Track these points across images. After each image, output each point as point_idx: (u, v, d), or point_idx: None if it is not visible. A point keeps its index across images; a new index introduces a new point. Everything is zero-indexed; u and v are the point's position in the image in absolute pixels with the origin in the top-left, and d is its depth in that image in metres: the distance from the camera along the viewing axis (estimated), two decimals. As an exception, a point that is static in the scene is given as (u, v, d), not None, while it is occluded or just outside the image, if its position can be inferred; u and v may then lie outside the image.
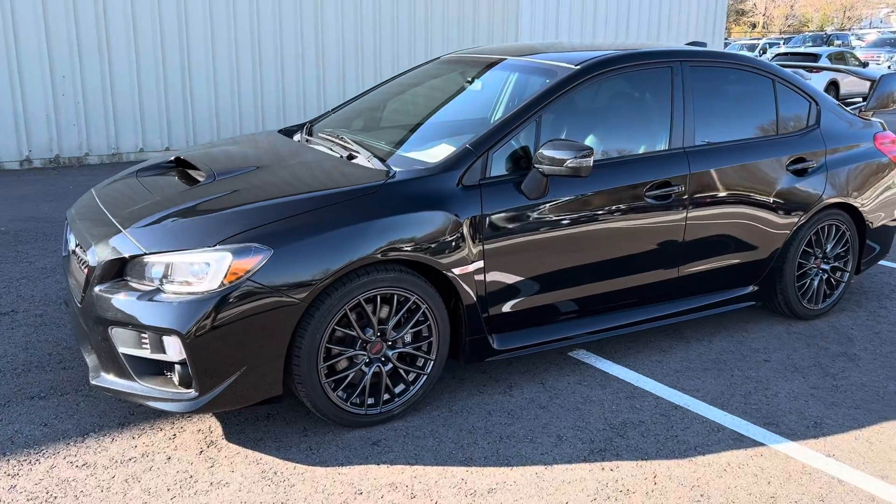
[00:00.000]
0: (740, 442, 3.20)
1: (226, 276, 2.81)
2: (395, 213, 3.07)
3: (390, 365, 3.20)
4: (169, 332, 2.79)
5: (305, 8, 10.79)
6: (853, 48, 30.39)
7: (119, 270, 2.98)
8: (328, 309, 2.96)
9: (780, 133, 4.28)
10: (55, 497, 2.69)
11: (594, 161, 3.57)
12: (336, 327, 3.02)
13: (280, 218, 2.95)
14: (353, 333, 3.07)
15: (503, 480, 2.86)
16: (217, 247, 2.85)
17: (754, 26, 62.78)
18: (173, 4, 9.66)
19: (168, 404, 2.86)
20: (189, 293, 2.81)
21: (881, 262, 5.70)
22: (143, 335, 2.87)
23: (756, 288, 4.31)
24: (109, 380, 2.98)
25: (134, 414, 3.25)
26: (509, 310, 3.46)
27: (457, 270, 3.22)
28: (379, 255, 3.00)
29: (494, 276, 3.35)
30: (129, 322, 2.86)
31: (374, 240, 3.00)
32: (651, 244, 3.77)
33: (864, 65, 21.48)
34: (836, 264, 4.59)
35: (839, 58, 20.26)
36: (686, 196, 3.82)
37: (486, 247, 3.29)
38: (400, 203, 3.12)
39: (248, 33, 10.32)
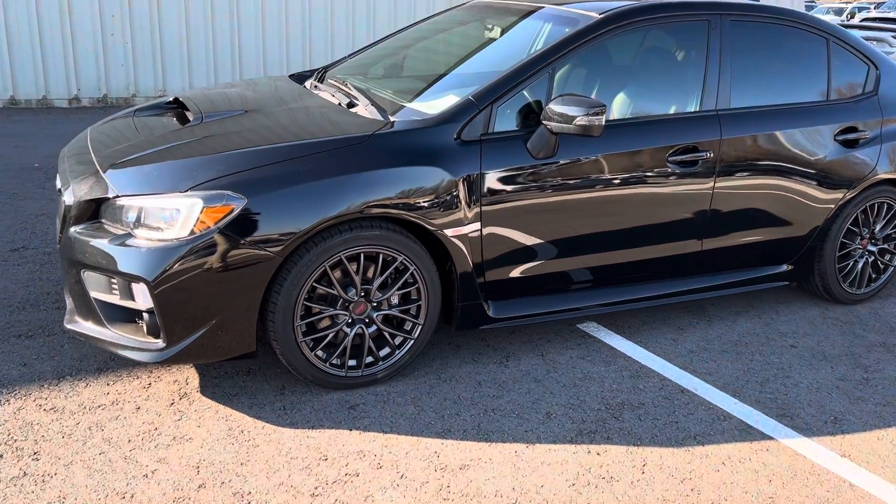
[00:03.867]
0: (747, 433, 2.94)
1: (196, 223, 2.66)
2: (382, 167, 2.87)
3: (374, 327, 3.04)
4: (137, 278, 2.67)
5: (358, -47, 10.51)
6: (950, 16, 28.34)
7: (95, 212, 2.88)
8: (306, 265, 2.80)
9: (830, 99, 3.88)
10: (15, 440, 2.64)
11: (610, 121, 3.29)
12: (315, 284, 2.86)
13: (258, 165, 2.78)
14: (334, 292, 2.91)
15: (478, 457, 2.69)
16: (188, 192, 2.70)
17: (845, -10, 59.34)
18: (223, -54, 9.52)
19: (135, 353, 2.76)
20: (159, 240, 2.69)
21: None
22: (113, 280, 2.76)
23: (790, 267, 3.97)
24: (82, 324, 2.90)
25: (114, 361, 3.18)
26: (508, 276, 3.24)
27: (450, 231, 3.01)
28: (361, 211, 2.81)
29: (492, 239, 3.12)
30: (99, 266, 2.76)
31: (357, 194, 2.81)
32: (671, 214, 3.48)
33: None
34: (885, 246, 4.20)
35: (933, 25, 18.85)
36: (715, 163, 3.50)
37: (483, 208, 3.06)
38: (389, 156, 2.91)
39: (298, -22, 10.12)
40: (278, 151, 2.84)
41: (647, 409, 3.05)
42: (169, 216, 2.71)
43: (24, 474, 2.47)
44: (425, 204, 2.93)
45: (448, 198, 2.97)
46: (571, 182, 3.21)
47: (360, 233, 2.86)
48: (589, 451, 2.76)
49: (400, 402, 3.00)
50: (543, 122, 3.08)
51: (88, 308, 2.87)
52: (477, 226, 3.07)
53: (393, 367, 3.10)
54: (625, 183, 3.31)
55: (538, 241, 3.22)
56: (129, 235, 2.74)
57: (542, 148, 3.11)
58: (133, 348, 2.77)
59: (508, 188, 3.09)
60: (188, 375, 3.10)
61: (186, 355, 2.76)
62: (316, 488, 2.48)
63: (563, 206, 3.22)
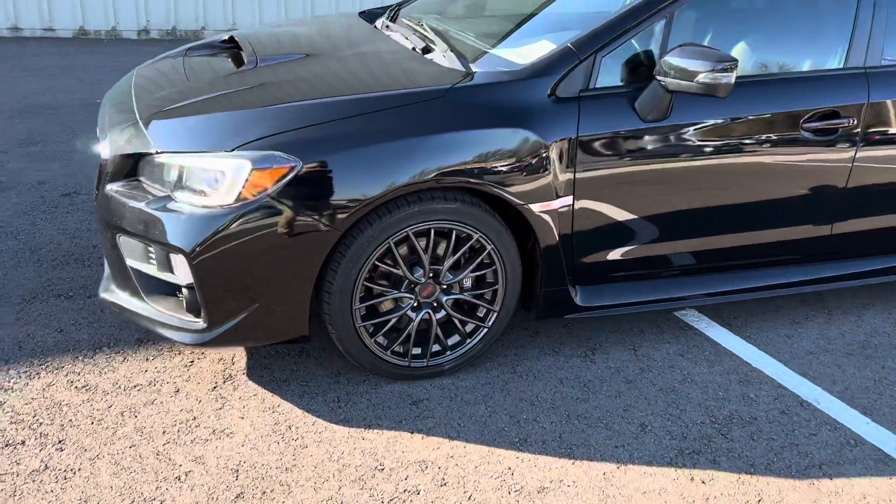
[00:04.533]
0: (884, 465, 2.44)
1: (243, 189, 2.28)
2: (460, 128, 2.42)
3: (443, 312, 2.63)
4: (175, 249, 2.32)
5: None
6: None
7: (134, 168, 2.53)
8: (368, 241, 2.40)
9: None
10: (40, 423, 2.37)
11: (738, 77, 2.74)
12: (378, 263, 2.46)
13: (315, 122, 2.36)
14: (399, 272, 2.51)
15: (560, 477, 2.28)
16: (235, 152, 2.31)
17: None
18: None
19: (174, 333, 2.44)
20: (201, 206, 2.32)
21: None
22: (150, 249, 2.42)
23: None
24: (118, 294, 2.58)
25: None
26: (601, 259, 2.78)
27: (536, 206, 2.55)
28: (434, 181, 2.38)
29: (586, 216, 2.65)
30: (136, 232, 2.42)
31: (430, 160, 2.37)
32: (799, 191, 2.92)
33: None
34: None
35: None
36: (858, 131, 2.91)
37: (578, 178, 2.58)
38: (468, 115, 2.45)
39: None
40: (339, 106, 2.42)
41: (760, 425, 2.58)
42: (213, 179, 2.33)
43: (46, 468, 2.19)
44: (509, 173, 2.47)
45: (536, 166, 2.50)
46: (685, 151, 2.69)
47: (432, 205, 2.43)
48: (692, 479, 2.32)
49: (469, 399, 2.61)
50: (657, 77, 2.55)
51: (125, 277, 2.55)
52: (568, 200, 2.60)
53: (462, 357, 2.71)
54: (748, 153, 2.77)
55: (640, 218, 2.73)
56: (169, 199, 2.38)
57: (654, 108, 2.59)
58: (171, 327, 2.44)
59: (609, 156, 2.60)
60: (235, 354, 2.77)
61: (230, 338, 2.42)
62: (369, 507, 2.13)
63: (673, 179, 2.71)
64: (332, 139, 2.33)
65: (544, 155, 2.50)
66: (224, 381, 2.62)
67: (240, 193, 2.29)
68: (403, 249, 2.51)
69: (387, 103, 2.42)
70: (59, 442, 2.29)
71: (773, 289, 3.07)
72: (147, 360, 2.71)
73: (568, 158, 2.55)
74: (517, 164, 2.47)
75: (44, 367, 2.63)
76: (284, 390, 2.59)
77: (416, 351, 2.65)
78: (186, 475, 2.20)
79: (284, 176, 2.28)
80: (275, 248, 2.32)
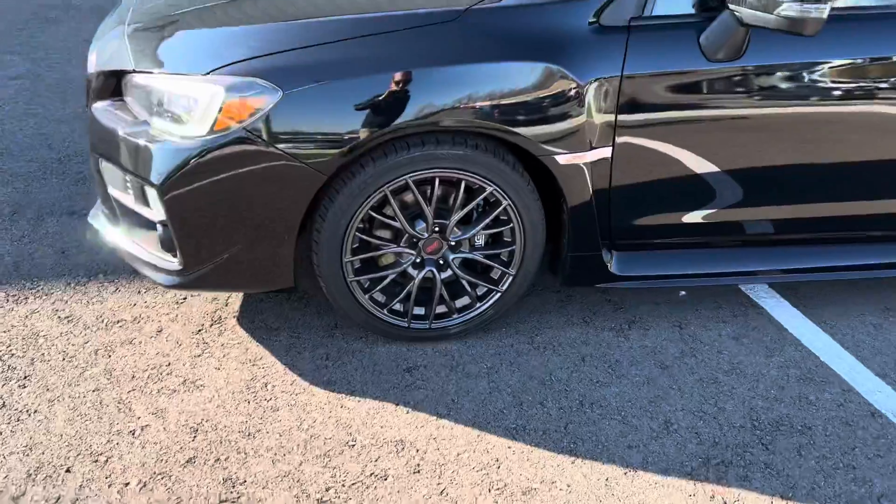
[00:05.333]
0: (962, 507, 1.99)
1: (217, 119, 2.00)
2: (476, 60, 2.02)
3: (449, 272, 2.31)
4: (146, 181, 2.10)
5: None
6: None
7: (118, 86, 2.29)
8: (359, 187, 2.09)
9: None
10: (12, 354, 2.26)
11: (832, 11, 2.18)
12: (372, 213, 2.16)
13: (302, 45, 2.03)
14: (398, 225, 2.20)
15: (553, 478, 1.97)
16: (210, 76, 2.02)
17: None
18: None
19: (150, 271, 2.24)
20: (176, 136, 2.06)
21: None
22: (127, 178, 2.21)
23: None
24: (102, 223, 2.40)
25: (156, 260, 2.70)
26: (646, 222, 2.36)
27: (565, 158, 2.14)
28: (439, 121, 2.02)
29: (628, 170, 2.23)
30: (112, 159, 2.21)
31: (435, 95, 2.00)
32: (907, 156, 2.37)
33: None
34: None
35: None
36: None
37: (620, 125, 2.15)
38: (486, 43, 2.05)
39: None
40: (331, 28, 2.07)
41: (813, 437, 2.15)
42: (186, 106, 2.06)
43: (3, 405, 2.08)
44: (531, 117, 2.07)
45: (567, 110, 2.09)
46: (760, 99, 2.19)
47: (437, 150, 2.08)
48: (712, 497, 1.96)
49: (471, 371, 2.31)
50: (730, 6, 2.05)
51: (109, 206, 2.36)
52: (606, 152, 2.18)
53: (471, 322, 2.39)
54: (837, 104, 2.23)
55: (697, 177, 2.28)
56: (146, 125, 2.14)
57: (724, 45, 2.10)
58: (149, 265, 2.24)
59: (662, 100, 2.14)
60: (231, 295, 2.57)
61: (207, 282, 2.20)
62: (327, 490, 1.89)
63: (742, 133, 2.23)
64: (320, 66, 1.99)
65: (578, 97, 2.08)
66: (211, 325, 2.43)
67: (213, 124, 2.01)
68: (404, 199, 2.19)
69: (387, 26, 2.05)
70: (24, 378, 2.17)
71: (858, 270, 2.55)
72: (139, 293, 2.55)
73: (609, 102, 2.11)
74: (542, 107, 2.06)
75: (34, 291, 2.51)
76: (272, 341, 2.38)
77: (419, 311, 2.36)
78: (142, 430, 2.03)
79: (263, 107, 1.98)
80: (252, 188, 2.04)
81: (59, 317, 2.41)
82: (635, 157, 2.20)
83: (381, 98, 1.99)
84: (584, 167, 2.17)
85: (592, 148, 2.15)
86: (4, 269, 2.60)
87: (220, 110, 1.99)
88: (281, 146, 2.00)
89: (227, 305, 2.51)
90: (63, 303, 2.47)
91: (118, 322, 2.41)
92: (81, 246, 2.76)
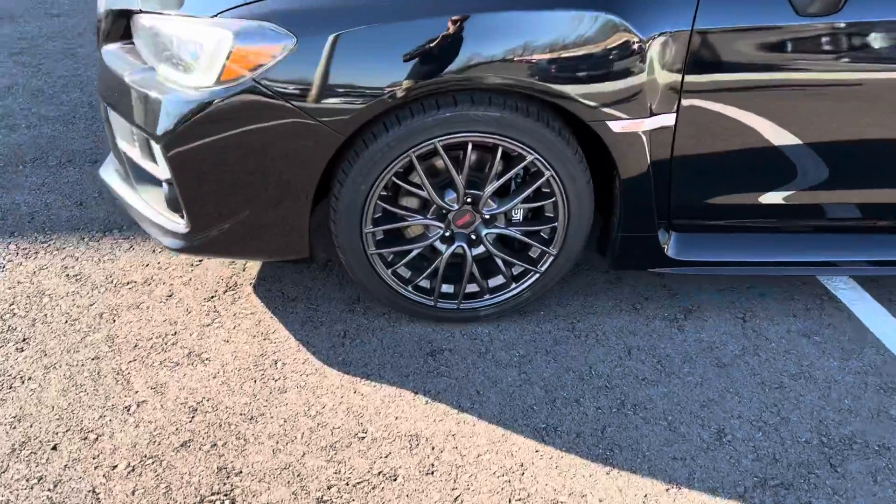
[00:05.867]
0: None
1: (224, 68, 1.78)
2: (516, 7, 1.74)
3: (482, 248, 2.07)
4: (149, 134, 1.90)
5: None
6: None
7: (128, 28, 2.09)
8: (381, 150, 1.85)
9: None
10: (14, 313, 2.13)
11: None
12: (396, 180, 1.92)
13: (320, -14, 1.78)
14: (424, 194, 1.95)
15: (583, 491, 1.73)
16: (217, 19, 1.79)
17: None
18: None
19: (157, 233, 2.06)
20: (181, 85, 1.85)
21: None
22: (133, 130, 2.02)
23: None
24: (112, 176, 2.23)
25: (175, 217, 2.54)
26: (711, 201, 2.06)
27: (619, 125, 1.86)
28: (477, 78, 1.75)
29: (695, 139, 1.93)
30: (118, 108, 2.02)
31: (468, 47, 1.73)
32: None
33: None
34: None
35: None
36: None
37: (688, 88, 1.85)
38: (531, -12, 1.76)
39: None
40: (354, -34, 1.81)
41: (892, 460, 1.86)
42: (194, 51, 1.85)
43: (-3, 371, 1.96)
44: (585, 76, 1.79)
45: (624, 70, 1.79)
46: (856, 61, 1.85)
47: (471, 111, 1.82)
48: (766, 527, 1.70)
49: (501, 359, 2.08)
50: (830, -52, 1.71)
51: (119, 158, 2.19)
52: (669, 119, 1.88)
53: (504, 304, 2.15)
54: (961, 74, 1.87)
55: (776, 151, 1.96)
56: (153, 72, 1.93)
57: (818, -3, 1.77)
58: (156, 225, 2.06)
59: (740, 60, 1.83)
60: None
61: (216, 248, 2.02)
62: (329, 488, 1.71)
63: (833, 100, 1.89)
64: (341, 10, 1.74)
65: (639, 54, 1.78)
66: (225, 291, 2.25)
67: (221, 73, 1.79)
68: (432, 165, 1.95)
69: (418, -36, 1.77)
70: (23, 340, 2.04)
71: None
72: (153, 252, 2.39)
73: (675, 61, 1.81)
74: (596, 65, 1.78)
75: (45, 245, 2.38)
76: (287, 313, 2.19)
77: (447, 289, 2.13)
78: (138, 406, 1.88)
79: (275, 56, 1.75)
80: (262, 148, 1.83)
81: (67, 275, 2.27)
82: (704, 125, 1.90)
83: (410, 49, 1.74)
84: (642, 136, 1.88)
85: (653, 114, 1.86)
86: (18, 220, 2.48)
87: (228, 58, 1.77)
88: (295, 101, 1.77)
89: (244, 271, 2.33)
90: (74, 259, 2.33)
91: (128, 283, 2.25)
92: (100, 198, 2.61)
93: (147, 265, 2.33)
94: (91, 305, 2.17)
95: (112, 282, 2.26)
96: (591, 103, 1.81)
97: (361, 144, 1.86)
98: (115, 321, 2.12)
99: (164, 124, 1.84)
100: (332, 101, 1.77)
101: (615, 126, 1.85)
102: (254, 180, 1.88)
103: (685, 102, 1.86)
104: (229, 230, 1.96)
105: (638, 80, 1.81)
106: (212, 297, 2.23)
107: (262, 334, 2.11)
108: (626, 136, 1.87)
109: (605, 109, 1.83)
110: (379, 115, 1.81)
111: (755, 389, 2.03)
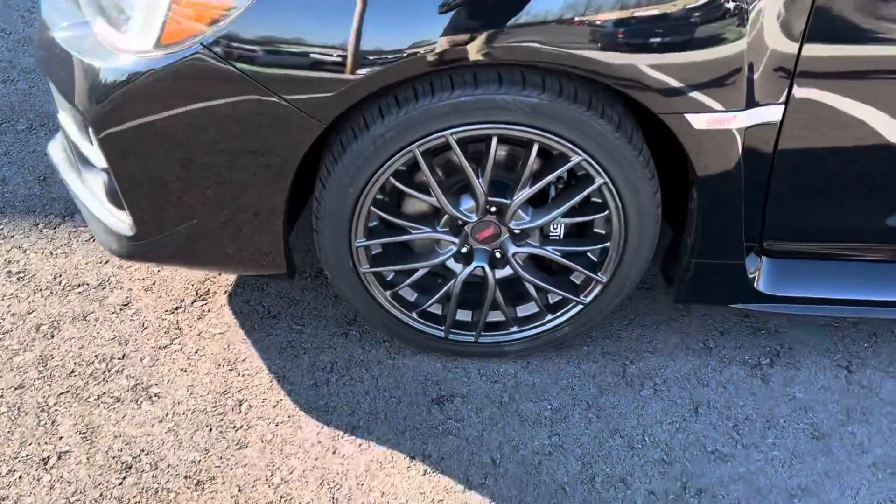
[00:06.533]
0: None
1: (164, 28, 1.32)
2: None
3: (509, 269, 1.59)
4: (75, 108, 1.47)
5: None
6: None
7: (72, -29, 1.64)
8: (376, 143, 1.37)
9: None
10: (-65, 323, 1.75)
11: None
12: (394, 181, 1.44)
13: (292, -87, 1.29)
14: (433, 201, 1.48)
15: None
16: (154, -39, 1.33)
17: None
18: None
19: (100, 231, 1.63)
20: (113, 48, 1.40)
21: None
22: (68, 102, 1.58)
23: None
24: (60, 155, 1.81)
25: (149, 201, 2.12)
26: (821, 221, 1.53)
27: (704, 118, 1.34)
28: (498, 50, 1.26)
29: (805, 140, 1.40)
30: (48, 72, 1.59)
31: (494, 11, 1.23)
32: None
33: None
34: None
35: None
36: None
37: (804, 71, 1.31)
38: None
39: None
40: None
41: None
42: (130, 4, 1.39)
43: None
44: (652, 46, 1.27)
45: (716, 40, 1.27)
46: None
47: (497, 95, 1.32)
48: None
49: (528, 414, 1.61)
50: None
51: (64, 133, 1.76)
52: (774, 112, 1.35)
53: (536, 340, 1.67)
54: None
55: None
56: (87, 28, 1.48)
57: None
58: (99, 222, 1.63)
59: (888, 31, 1.28)
60: (228, 257, 1.95)
61: (169, 256, 1.59)
62: None
63: None
64: (317, -50, 1.26)
65: (737, 18, 1.25)
66: (193, 301, 1.83)
67: (160, 35, 1.33)
68: (445, 162, 1.46)
69: None
70: (-63, 360, 1.66)
71: None
72: (115, 245, 1.98)
73: (789, 29, 1.28)
74: (670, 30, 1.26)
75: (-9, 232, 1.99)
76: (265, 335, 1.76)
77: (463, 316, 1.66)
78: (59, 458, 1.48)
79: (230, 12, 1.28)
80: (216, 134, 1.38)
81: (9, 271, 1.88)
82: (824, 120, 1.37)
83: (409, 7, 1.24)
84: (736, 134, 1.36)
85: (753, 104, 1.33)
86: (-28, 203, 2.09)
87: (168, 15, 1.31)
88: (256, 76, 1.30)
89: (220, 275, 1.90)
90: (21, 252, 1.94)
91: (79, 286, 1.85)
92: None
93: (106, 262, 1.92)
94: (29, 314, 1.77)
95: (60, 283, 1.86)
96: (664, 86, 1.29)
97: (347, 135, 1.38)
98: (53, 336, 1.72)
99: (93, 97, 1.40)
100: (306, 79, 1.30)
101: (697, 120, 1.33)
102: (206, 176, 1.43)
103: (800, 89, 1.33)
104: (183, 235, 1.52)
105: (733, 54, 1.28)
106: (176, 308, 1.81)
107: (230, 363, 1.69)
108: (713, 134, 1.35)
109: (684, 96, 1.31)
110: (371, 95, 1.33)
111: (865, 475, 1.52)
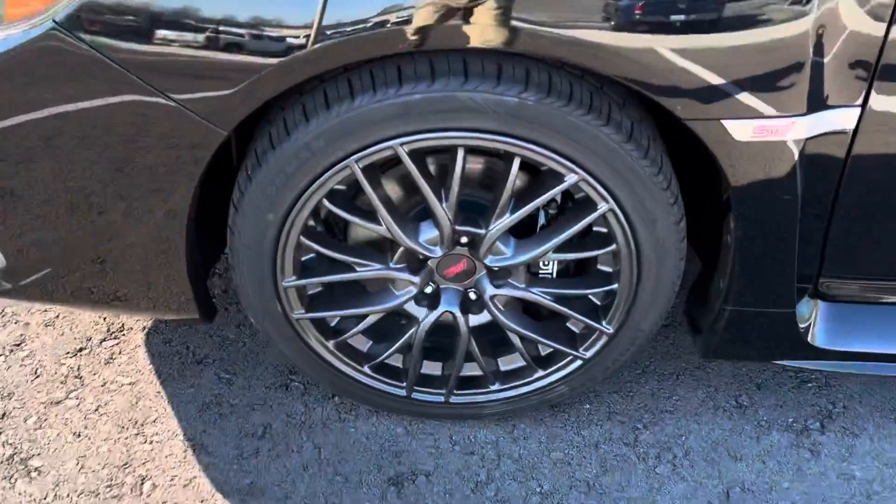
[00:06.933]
0: None
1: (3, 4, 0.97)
2: None
3: (486, 315, 1.22)
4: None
5: None
6: None
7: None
8: (300, 155, 1.01)
9: None
10: None
11: None
12: (329, 204, 1.08)
13: None
14: (382, 230, 1.11)
15: None
16: None
17: None
18: None
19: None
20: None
21: None
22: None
23: None
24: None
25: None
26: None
27: (749, 126, 0.97)
28: (494, 42, 0.90)
29: (886, 150, 1.03)
30: None
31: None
32: None
33: None
34: None
35: None
36: None
37: (891, 56, 0.94)
38: None
39: None
40: None
41: None
42: (-33, -37, 1.03)
43: None
44: (675, 39, 0.90)
45: (768, 23, 0.90)
46: None
47: (458, 93, 0.95)
48: None
49: (513, 498, 1.25)
50: None
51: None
52: (845, 118, 0.99)
53: (523, 400, 1.31)
54: None
55: None
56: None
57: None
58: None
59: None
60: (152, 283, 1.60)
61: (52, 296, 1.23)
62: None
63: None
64: None
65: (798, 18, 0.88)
66: (102, 340, 1.48)
67: (2, 10, 0.97)
68: (395, 179, 1.10)
69: None
70: None
71: None
72: (17, 267, 1.63)
73: (874, 6, 0.90)
74: (701, 10, 0.89)
75: None
76: (185, 385, 1.41)
77: (432, 369, 1.30)
78: None
79: (89, -24, 0.92)
80: (85, 143, 1.02)
81: None
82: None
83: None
84: (792, 146, 0.99)
85: (818, 107, 0.96)
86: None
87: (7, -23, 0.95)
88: (131, 66, 0.94)
89: (140, 305, 1.55)
90: None
91: (-38, 321, 1.51)
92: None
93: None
94: None
95: (-60, 317, 1.51)
96: (694, 83, 0.92)
97: (264, 144, 1.02)
98: (-81, 388, 1.38)
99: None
100: (200, 67, 0.94)
101: (739, 129, 0.96)
102: (80, 200, 1.07)
103: (882, 85, 0.96)
104: (51, 279, 1.17)
105: (791, 39, 0.91)
106: (79, 350, 1.46)
107: (136, 425, 1.34)
108: (760, 147, 0.98)
109: (721, 97, 0.94)
110: (289, 90, 0.96)
111: (949, 589, 1.16)
